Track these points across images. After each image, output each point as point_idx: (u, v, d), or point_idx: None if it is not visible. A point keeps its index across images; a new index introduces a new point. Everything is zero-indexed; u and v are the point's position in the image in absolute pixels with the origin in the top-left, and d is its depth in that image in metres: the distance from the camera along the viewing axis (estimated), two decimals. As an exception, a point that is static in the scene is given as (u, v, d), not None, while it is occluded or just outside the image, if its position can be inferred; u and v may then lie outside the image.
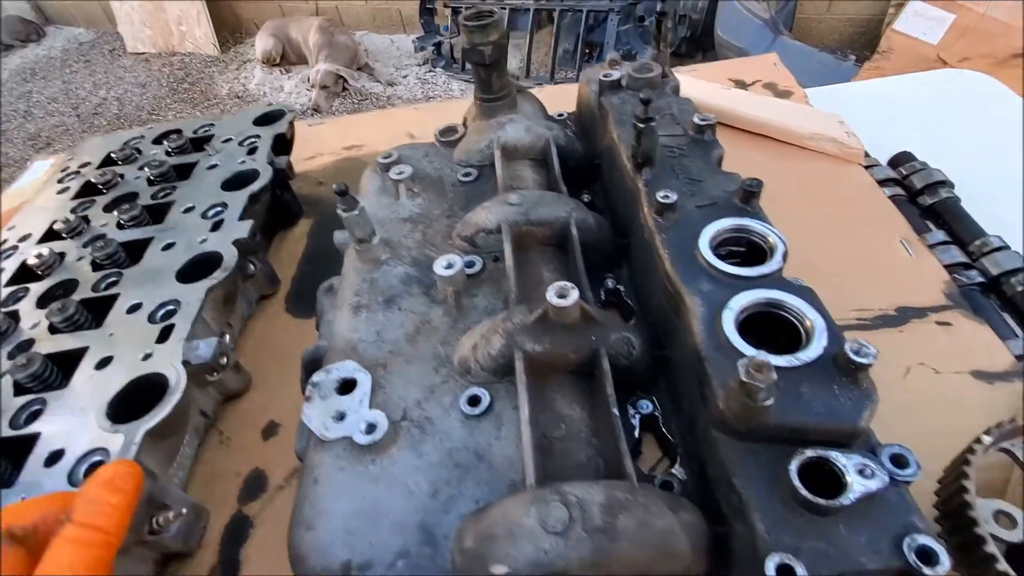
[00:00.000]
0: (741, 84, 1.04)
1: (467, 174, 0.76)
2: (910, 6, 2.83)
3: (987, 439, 0.45)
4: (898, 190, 0.83)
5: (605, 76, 0.80)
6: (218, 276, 0.64)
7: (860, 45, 3.23)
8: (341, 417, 0.49)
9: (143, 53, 4.70)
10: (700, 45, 3.29)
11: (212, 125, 0.92)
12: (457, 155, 0.79)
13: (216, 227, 0.72)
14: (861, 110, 1.05)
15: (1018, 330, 0.66)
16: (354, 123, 1.17)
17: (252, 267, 0.78)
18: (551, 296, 0.49)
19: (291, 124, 0.91)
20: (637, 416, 0.57)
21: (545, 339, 0.51)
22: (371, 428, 0.47)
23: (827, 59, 2.81)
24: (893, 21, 2.88)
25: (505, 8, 3.50)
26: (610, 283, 0.70)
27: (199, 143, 0.89)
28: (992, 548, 0.40)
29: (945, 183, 0.83)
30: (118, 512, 0.41)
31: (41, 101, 4.40)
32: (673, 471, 0.53)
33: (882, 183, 0.83)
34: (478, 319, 0.58)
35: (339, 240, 0.69)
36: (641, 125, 0.61)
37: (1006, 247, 0.72)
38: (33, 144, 3.90)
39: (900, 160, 0.88)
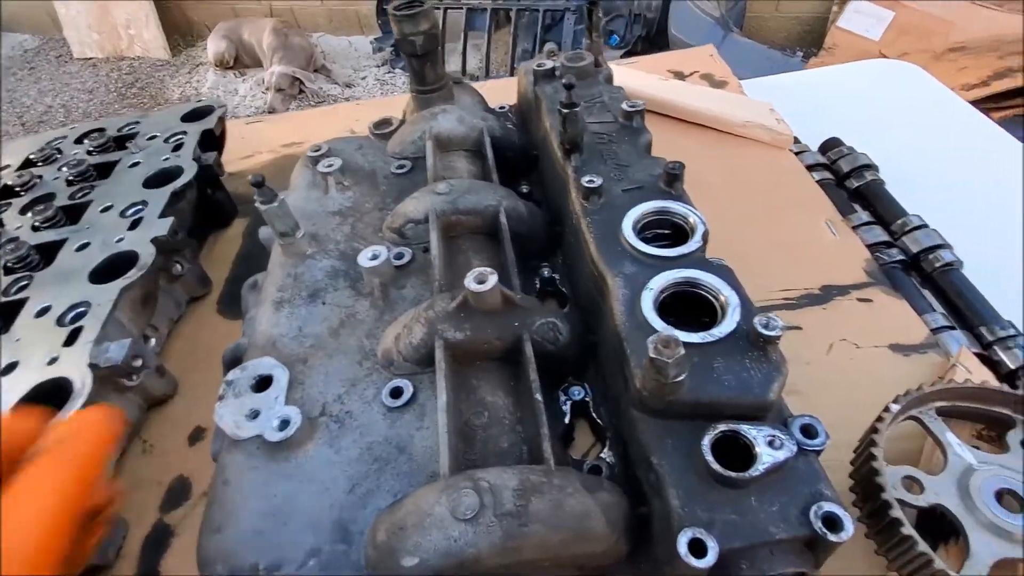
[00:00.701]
0: (680, 75, 1.06)
1: (401, 166, 0.75)
2: (852, 4, 2.94)
3: (894, 407, 0.46)
4: (827, 174, 0.85)
5: (539, 66, 0.80)
6: (133, 275, 0.61)
7: (807, 42, 3.34)
8: (255, 415, 0.47)
9: (90, 58, 4.51)
10: (656, 44, 3.35)
11: (137, 123, 0.89)
12: (391, 147, 0.78)
13: (134, 225, 0.69)
14: (796, 99, 1.08)
15: (936, 304, 0.69)
16: (295, 120, 1.14)
17: (179, 268, 0.75)
18: (469, 282, 0.49)
19: (220, 120, 0.88)
20: (568, 403, 0.57)
21: (466, 326, 0.50)
22: (284, 424, 0.45)
23: (776, 56, 2.89)
24: (837, 19, 2.98)
25: (463, 8, 3.49)
26: (545, 272, 0.69)
27: (123, 141, 0.86)
28: (897, 512, 0.40)
29: (870, 167, 0.85)
30: (96, 448, 0.36)
31: (-18, 110, 4.19)
32: (602, 455, 0.53)
33: (812, 168, 0.86)
34: (405, 310, 0.57)
35: (264, 236, 0.67)
36: (565, 111, 0.61)
37: (925, 226, 0.75)
38: (-30, 154, 3.71)
39: (829, 146, 0.90)
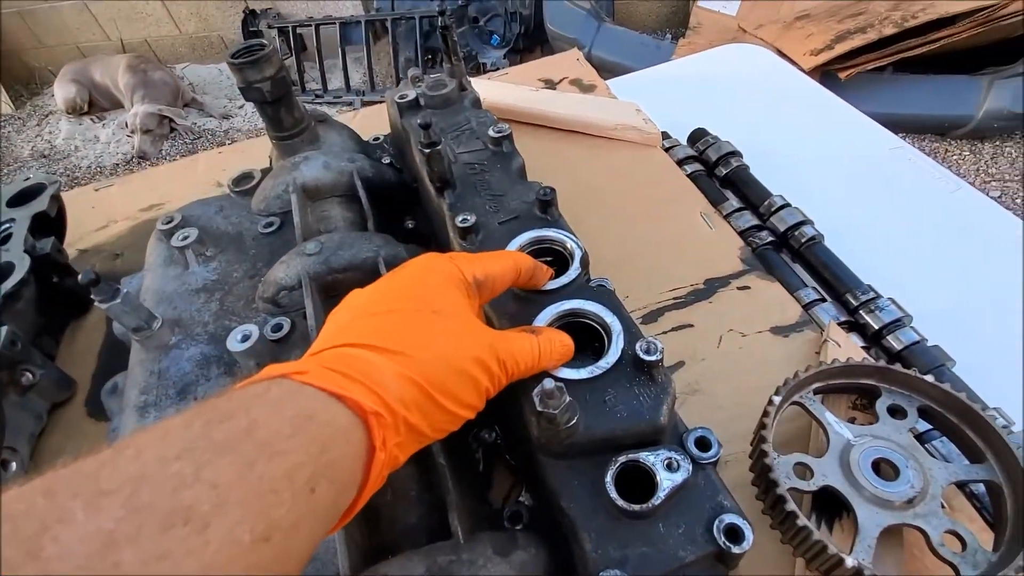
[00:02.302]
0: (550, 83, 1.07)
1: (269, 224, 0.70)
2: (707, -17, 3.13)
3: (776, 399, 0.48)
4: (698, 166, 0.89)
5: (401, 98, 0.78)
6: (-41, 407, 0.53)
7: (675, 23, 3.52)
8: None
9: (-89, 122, 3.94)
10: (535, 39, 3.40)
11: (-49, 216, 0.77)
12: (255, 205, 0.72)
13: (-42, 345, 0.59)
14: (662, 93, 1.13)
15: (808, 279, 0.74)
16: (151, 178, 1.04)
17: (30, 376, 0.66)
18: (348, 356, 0.46)
19: (55, 198, 0.78)
20: (480, 448, 0.55)
21: (353, 401, 0.47)
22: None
23: (648, 40, 3.02)
24: (697, -1, 3.16)
25: (335, 23, 3.37)
26: (441, 312, 0.68)
27: (-67, 242, 0.74)
28: (791, 505, 0.42)
29: (735, 153, 0.90)
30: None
31: None
32: (521, 499, 0.52)
33: (683, 161, 0.89)
34: (292, 388, 0.53)
35: (120, 331, 0.60)
36: (427, 151, 0.59)
37: (787, 205, 0.80)
38: None
39: (696, 136, 0.94)
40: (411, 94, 0.78)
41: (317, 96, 3.39)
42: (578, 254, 0.55)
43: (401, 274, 0.41)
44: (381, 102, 1.05)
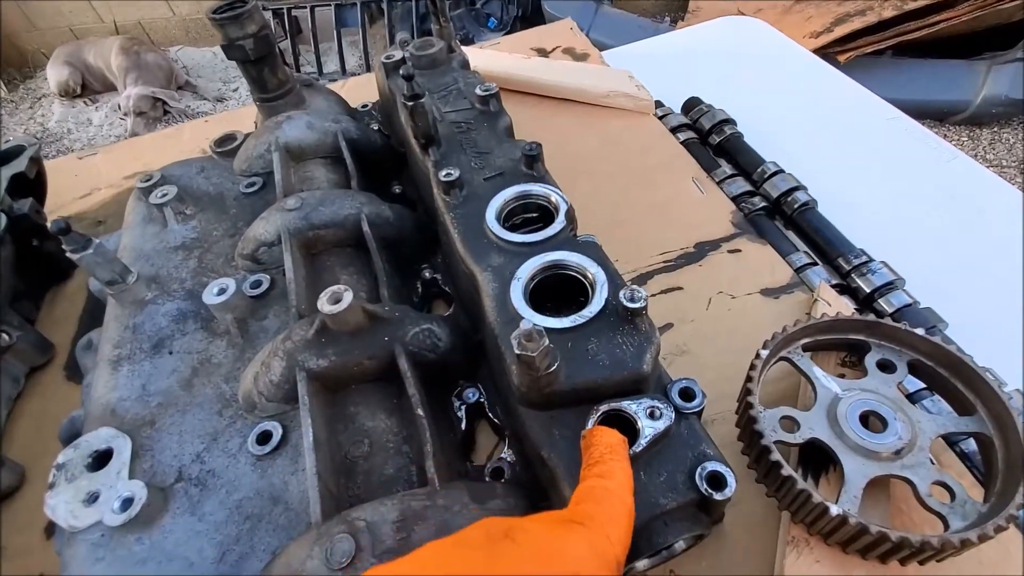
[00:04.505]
0: (543, 52, 1.05)
1: (251, 184, 0.68)
2: (707, -34, 3.09)
3: (764, 353, 0.47)
4: (691, 134, 0.88)
5: (387, 58, 0.76)
6: (-69, 362, 0.52)
7: (674, 8, 3.48)
8: (93, 498, 0.41)
9: (-96, 105, 3.88)
10: (532, 22, 3.36)
11: (-72, 177, 0.75)
12: (237, 165, 0.71)
13: (-71, 301, 0.58)
14: (657, 64, 1.11)
15: (799, 243, 0.72)
16: (136, 147, 1.02)
17: (6, 337, 0.65)
18: (323, 304, 0.44)
19: (34, 160, 0.76)
20: (463, 407, 0.54)
21: (329, 351, 0.46)
22: (126, 503, 0.39)
23: (646, 24, 2.99)
24: (697, -18, 3.12)
25: (331, 5, 3.33)
26: (427, 274, 0.66)
27: (-91, 201, 0.72)
28: (776, 456, 0.41)
29: (729, 121, 0.88)
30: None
31: None
32: (503, 455, 0.51)
33: (676, 129, 0.88)
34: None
35: (96, 288, 0.59)
36: (409, 104, 0.58)
37: (781, 171, 0.79)
38: None
39: (690, 105, 0.93)
40: (398, 54, 0.77)
41: (313, 78, 3.35)
42: (563, 207, 0.53)
43: None
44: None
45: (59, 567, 0.41)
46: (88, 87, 3.56)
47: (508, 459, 0.50)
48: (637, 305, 0.42)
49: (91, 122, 3.42)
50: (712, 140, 0.88)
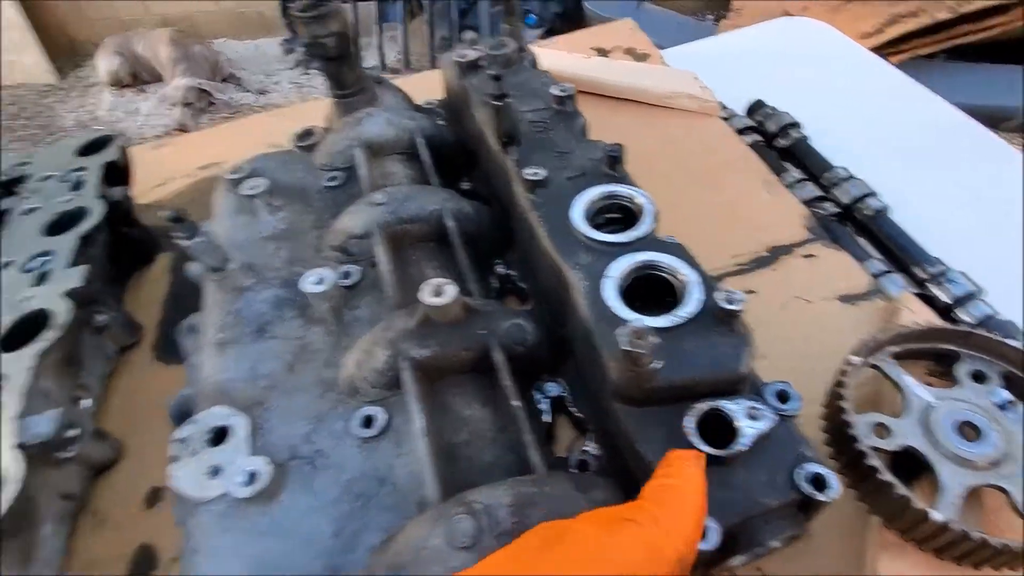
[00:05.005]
0: (602, 52, 1.06)
1: (332, 178, 0.71)
2: (751, -36, 3.03)
3: (856, 360, 0.48)
4: (757, 136, 0.88)
5: (460, 57, 0.77)
6: (49, 338, 0.55)
7: (716, 5, 3.43)
8: (216, 472, 0.43)
9: (-40, 91, 4.05)
10: (572, 20, 3.35)
11: (26, 163, 0.80)
12: (318, 159, 0.73)
13: (42, 280, 0.62)
14: (714, 65, 1.11)
15: (872, 250, 0.72)
16: (206, 139, 1.06)
17: (102, 318, 0.69)
18: (426, 296, 0.46)
19: (122, 149, 0.80)
20: (546, 400, 0.56)
21: (430, 342, 0.48)
22: (252, 477, 0.42)
23: (688, 22, 2.96)
24: (739, -21, 3.07)
25: (373, 0, 3.37)
26: (500, 269, 0.68)
27: (10, 186, 0.77)
28: (874, 461, 0.42)
29: (795, 124, 0.88)
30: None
31: None
32: (587, 448, 0.52)
33: (741, 132, 0.88)
34: (363, 332, 0.54)
35: (194, 272, 0.62)
36: (496, 103, 0.59)
37: (852, 177, 0.78)
38: None
39: (755, 108, 0.93)
40: (471, 53, 0.78)
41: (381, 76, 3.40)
42: (649, 209, 0.54)
43: None
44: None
45: (183, 536, 0.44)
46: (137, 77, 3.66)
47: (593, 452, 0.52)
48: (735, 307, 0.43)
49: (139, 111, 3.52)
50: (778, 143, 0.87)
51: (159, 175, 0.99)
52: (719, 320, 0.45)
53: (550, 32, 3.33)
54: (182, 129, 3.20)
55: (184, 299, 0.79)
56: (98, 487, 0.61)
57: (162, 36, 3.42)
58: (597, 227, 0.55)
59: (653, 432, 0.43)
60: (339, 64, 0.76)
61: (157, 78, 3.57)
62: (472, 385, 0.50)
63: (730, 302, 0.43)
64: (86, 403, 0.65)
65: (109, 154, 0.78)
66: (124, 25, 4.05)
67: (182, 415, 0.52)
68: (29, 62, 3.97)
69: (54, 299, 0.59)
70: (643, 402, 0.44)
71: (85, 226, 0.67)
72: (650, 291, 0.51)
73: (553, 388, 0.56)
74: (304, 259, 0.62)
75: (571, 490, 0.40)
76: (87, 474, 0.60)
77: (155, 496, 0.60)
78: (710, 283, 0.47)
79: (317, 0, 0.70)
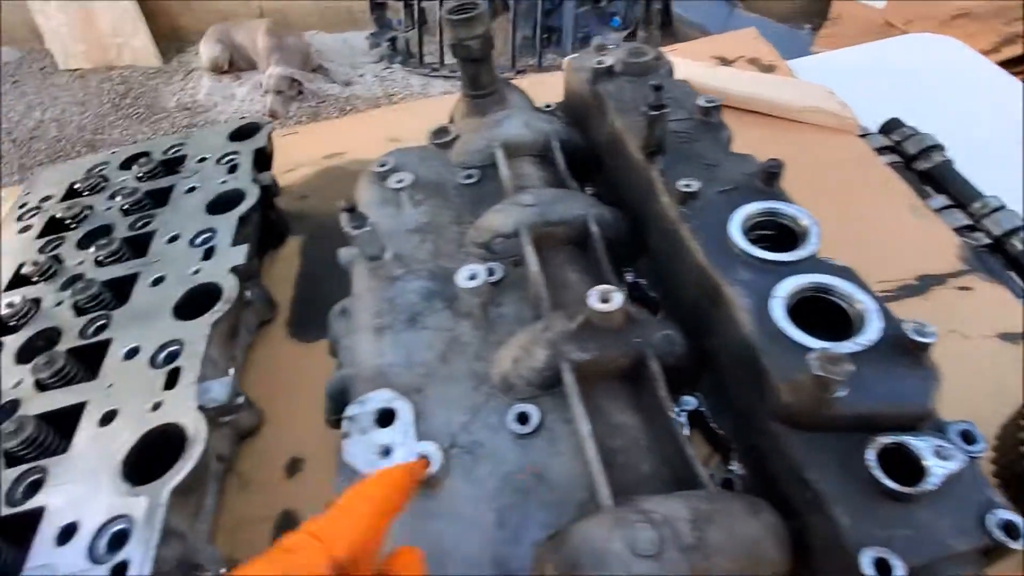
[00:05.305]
0: (724, 61, 1.03)
1: (468, 176, 0.73)
2: (855, -27, 2.89)
3: (1042, 404, 0.45)
4: (895, 157, 0.84)
5: (598, 63, 0.78)
6: (222, 309, 0.60)
7: (810, 14, 3.29)
8: (387, 452, 0.46)
9: (77, 70, 4.41)
10: (660, 24, 3.30)
11: (183, 144, 0.86)
12: (455, 157, 0.75)
13: (208, 255, 0.67)
14: (838, 80, 1.06)
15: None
16: (330, 130, 1.11)
17: (248, 294, 0.73)
18: (594, 302, 0.47)
19: (270, 137, 0.85)
20: (684, 414, 0.56)
21: (591, 346, 0.48)
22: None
23: (783, 30, 2.85)
24: (840, -12, 2.93)
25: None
26: (630, 278, 0.68)
27: (172, 165, 0.83)
28: (1068, 511, 0.39)
29: (937, 147, 0.84)
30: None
31: (-33, 130, 4.09)
32: (731, 468, 0.52)
33: (878, 151, 0.84)
34: (509, 330, 0.55)
35: (345, 258, 0.65)
36: (654, 113, 0.59)
37: (1004, 207, 0.73)
38: (-34, 178, 3.63)
39: (891, 127, 0.88)
40: (607, 60, 0.78)
41: (434, 69, 3.47)
42: (815, 230, 0.53)
43: None
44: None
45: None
46: (234, 64, 3.88)
47: (737, 472, 0.51)
48: (927, 340, 0.42)
49: (235, 96, 3.73)
50: (917, 166, 0.83)
51: (288, 161, 1.05)
52: (904, 351, 0.43)
53: (632, 35, 3.28)
54: (273, 115, 3.37)
55: (315, 281, 0.83)
56: (243, 451, 0.65)
57: (260, 27, 3.61)
58: (751, 243, 0.54)
59: (823, 459, 0.42)
60: (479, 65, 0.78)
61: (252, 66, 3.77)
62: (624, 392, 0.51)
63: (921, 335, 0.42)
64: (231, 372, 0.70)
65: (259, 140, 0.83)
66: (224, 15, 4.30)
67: (339, 393, 0.55)
68: (138, 45, 4.28)
69: (222, 274, 0.63)
70: (814, 428, 0.43)
71: (243, 207, 0.72)
72: (811, 313, 0.49)
73: (690, 401, 0.56)
74: (446, 253, 0.64)
75: (741, 511, 0.40)
76: (235, 438, 0.65)
77: (295, 465, 0.64)
78: (889, 312, 0.46)
79: (463, 4, 0.73)
